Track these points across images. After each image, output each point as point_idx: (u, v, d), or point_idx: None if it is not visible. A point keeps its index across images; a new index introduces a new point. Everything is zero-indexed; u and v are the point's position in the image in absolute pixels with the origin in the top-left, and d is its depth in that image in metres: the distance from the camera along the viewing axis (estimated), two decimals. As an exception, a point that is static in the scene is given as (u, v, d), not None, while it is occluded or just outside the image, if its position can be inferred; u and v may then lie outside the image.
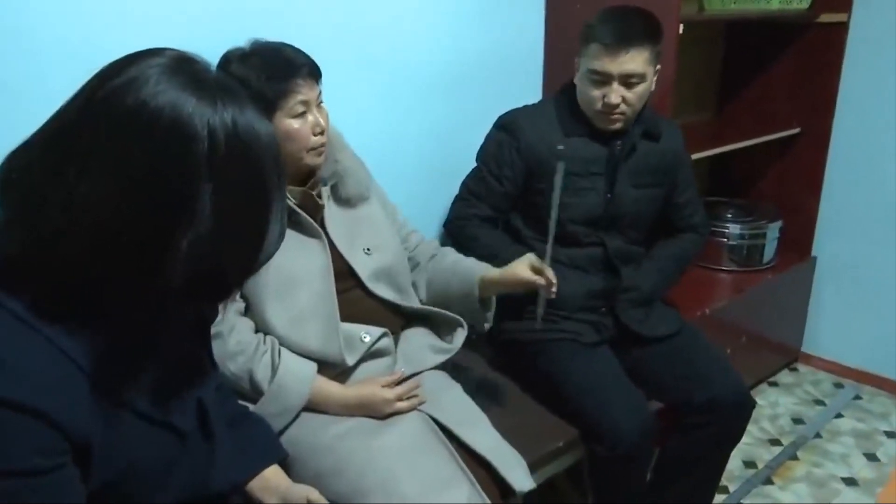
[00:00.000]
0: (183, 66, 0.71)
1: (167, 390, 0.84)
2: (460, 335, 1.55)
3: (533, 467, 1.45)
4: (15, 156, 0.72)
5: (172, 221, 0.68)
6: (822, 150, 2.56)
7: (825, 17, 2.40)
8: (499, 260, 1.56)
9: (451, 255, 1.62)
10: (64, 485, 0.71)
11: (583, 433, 1.57)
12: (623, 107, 1.59)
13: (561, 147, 1.57)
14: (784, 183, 2.68)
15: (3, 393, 0.65)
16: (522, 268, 1.46)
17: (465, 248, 1.68)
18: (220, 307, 1.13)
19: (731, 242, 2.51)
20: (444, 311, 1.54)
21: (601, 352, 1.67)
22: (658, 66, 1.63)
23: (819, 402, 2.60)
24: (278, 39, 1.34)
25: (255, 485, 1.09)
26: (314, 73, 1.32)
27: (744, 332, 2.45)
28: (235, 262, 0.76)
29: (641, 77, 1.57)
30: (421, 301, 1.59)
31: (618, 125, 1.63)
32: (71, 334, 0.71)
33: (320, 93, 1.35)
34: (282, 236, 0.82)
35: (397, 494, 1.20)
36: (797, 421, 2.49)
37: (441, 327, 1.56)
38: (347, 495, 1.21)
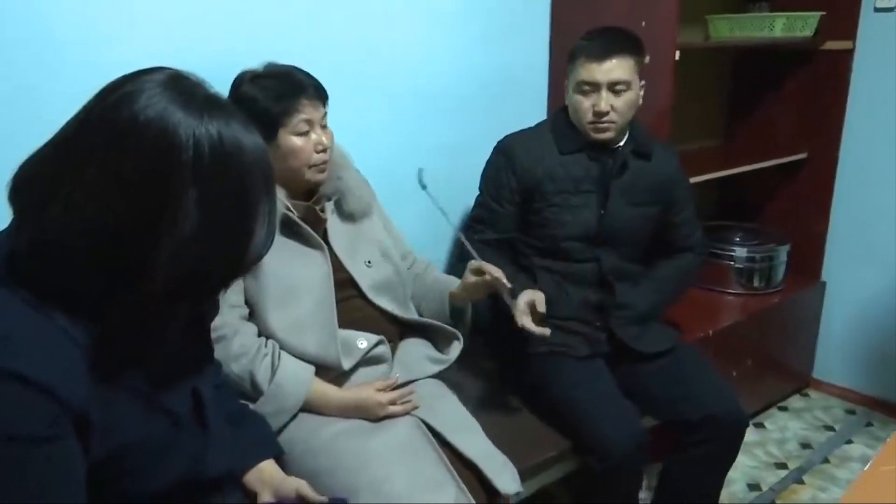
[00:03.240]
0: (176, 82, 0.79)
1: (162, 376, 0.90)
2: (456, 348, 1.60)
3: (525, 475, 1.49)
4: (25, 165, 0.81)
5: (157, 223, 0.74)
6: (830, 174, 2.59)
7: (831, 45, 2.45)
8: None
9: (432, 273, 1.71)
10: (64, 455, 0.77)
11: (575, 444, 1.61)
12: (613, 115, 1.67)
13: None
14: (793, 208, 2.71)
15: (6, 365, 0.72)
16: (467, 275, 1.55)
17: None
18: (221, 305, 1.20)
19: (737, 265, 2.53)
20: (441, 324, 1.60)
21: (595, 365, 1.71)
22: (643, 82, 1.71)
23: (829, 428, 2.58)
24: (287, 62, 1.43)
25: (251, 477, 1.15)
26: (320, 94, 1.40)
27: (750, 356, 2.46)
28: (221, 262, 0.82)
29: (627, 85, 1.66)
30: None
31: (609, 135, 1.70)
32: (72, 319, 0.78)
33: (325, 114, 1.43)
34: (270, 241, 0.87)
35: (387, 494, 1.24)
36: (805, 446, 2.48)
37: (438, 339, 1.62)
38: (340, 493, 1.26)
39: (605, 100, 1.65)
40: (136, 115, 0.75)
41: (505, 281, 1.48)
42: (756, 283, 2.56)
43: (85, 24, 1.39)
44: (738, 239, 2.58)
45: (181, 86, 0.79)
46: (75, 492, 0.80)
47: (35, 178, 0.79)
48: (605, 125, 1.68)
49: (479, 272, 1.51)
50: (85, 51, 1.40)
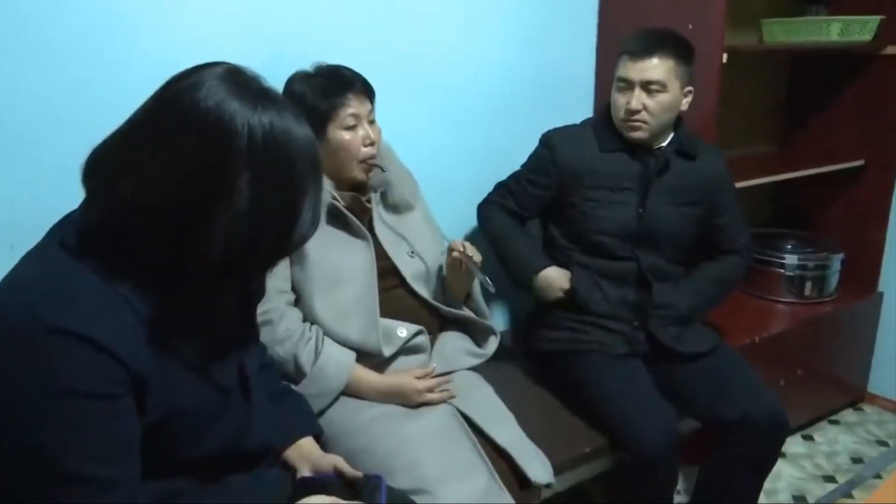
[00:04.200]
0: (234, 75, 0.86)
1: (212, 350, 0.97)
2: (493, 343, 1.64)
3: (559, 469, 1.51)
4: (97, 150, 0.88)
5: (213, 202, 0.81)
6: (888, 182, 2.51)
7: (891, 49, 2.39)
8: (506, 241, 1.79)
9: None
10: (120, 411, 0.85)
11: (610, 441, 1.62)
12: (644, 114, 1.68)
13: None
14: (849, 216, 2.64)
15: (74, 326, 0.79)
16: (446, 258, 1.58)
17: (481, 227, 1.89)
18: (268, 291, 1.26)
19: (787, 273, 2.48)
20: (478, 318, 1.64)
21: (632, 364, 1.72)
22: (689, 88, 1.71)
23: (882, 443, 2.50)
24: (336, 62, 1.50)
25: (291, 453, 1.21)
26: (366, 89, 1.47)
27: (799, 365, 2.40)
28: (269, 241, 0.88)
29: (662, 86, 1.66)
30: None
31: (639, 134, 1.71)
32: (136, 291, 0.86)
33: (372, 110, 1.49)
34: (315, 225, 0.93)
35: (421, 477, 1.29)
36: (856, 460, 2.40)
37: (476, 333, 1.66)
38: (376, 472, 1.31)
39: (637, 98, 1.67)
40: (196, 104, 0.82)
41: (471, 253, 1.50)
42: (807, 292, 2.50)
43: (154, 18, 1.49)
44: (789, 246, 2.53)
45: (238, 79, 0.86)
46: (128, 446, 0.87)
47: (104, 163, 0.87)
48: (637, 124, 1.70)
49: (451, 251, 1.54)
50: (152, 44, 1.49)
